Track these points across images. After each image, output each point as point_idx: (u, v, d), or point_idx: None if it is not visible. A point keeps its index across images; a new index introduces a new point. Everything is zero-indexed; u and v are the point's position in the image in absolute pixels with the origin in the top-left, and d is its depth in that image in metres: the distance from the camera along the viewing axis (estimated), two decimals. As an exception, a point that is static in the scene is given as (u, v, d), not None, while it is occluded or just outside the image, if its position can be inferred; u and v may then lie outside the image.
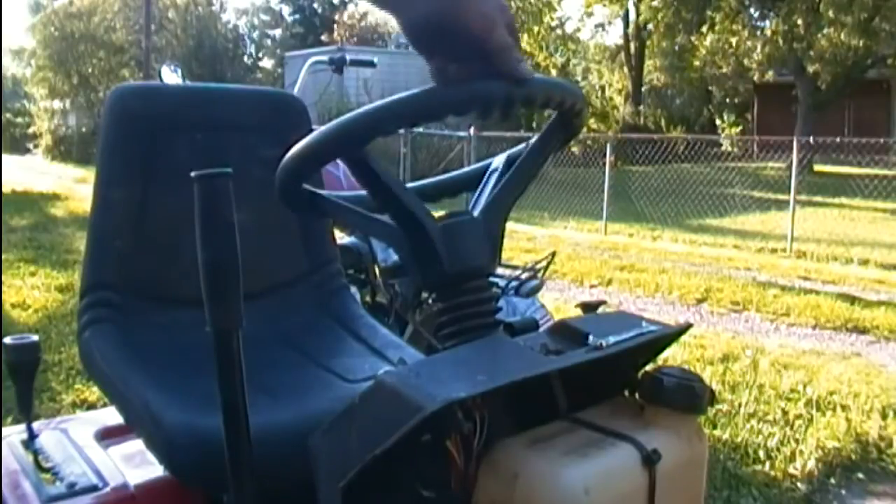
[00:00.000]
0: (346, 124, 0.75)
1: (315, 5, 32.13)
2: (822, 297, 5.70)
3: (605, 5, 21.75)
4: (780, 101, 19.25)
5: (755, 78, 18.57)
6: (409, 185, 1.00)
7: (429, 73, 0.77)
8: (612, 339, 0.73)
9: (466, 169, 1.01)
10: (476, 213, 0.82)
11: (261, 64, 30.95)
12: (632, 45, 23.61)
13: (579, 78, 25.48)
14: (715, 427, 3.06)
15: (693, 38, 18.00)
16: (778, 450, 2.88)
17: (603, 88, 25.55)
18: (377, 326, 1.31)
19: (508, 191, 0.84)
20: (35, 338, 1.24)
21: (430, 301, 2.33)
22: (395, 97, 0.75)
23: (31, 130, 28.03)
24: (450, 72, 0.76)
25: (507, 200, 0.84)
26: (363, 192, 0.84)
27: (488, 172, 0.90)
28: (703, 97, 23.07)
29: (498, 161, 0.91)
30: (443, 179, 1.01)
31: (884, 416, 3.24)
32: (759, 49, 16.90)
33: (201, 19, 26.63)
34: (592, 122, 20.61)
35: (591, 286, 6.31)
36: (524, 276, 2.48)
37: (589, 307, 0.92)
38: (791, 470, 2.74)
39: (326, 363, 1.20)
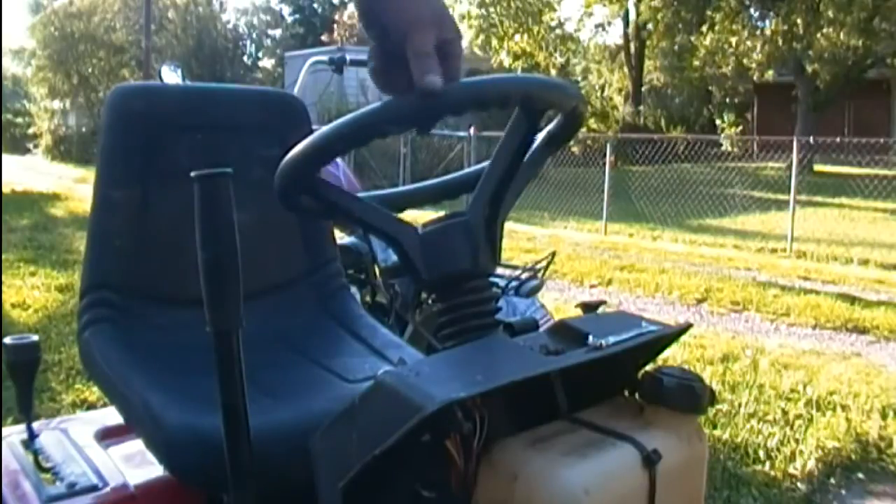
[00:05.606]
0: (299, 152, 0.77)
1: (315, 5, 32.12)
2: (822, 297, 5.70)
3: (605, 5, 21.71)
4: (780, 101, 19.25)
5: (755, 78, 18.56)
6: (409, 186, 1.00)
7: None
8: (612, 339, 0.73)
9: (467, 170, 1.01)
10: (471, 214, 0.82)
11: (261, 64, 30.95)
12: (632, 45, 23.57)
13: (579, 78, 25.44)
14: (715, 427, 3.05)
15: (693, 38, 17.99)
16: (778, 450, 2.88)
17: (603, 88, 25.52)
18: (377, 326, 1.31)
19: (504, 191, 0.83)
20: (35, 338, 1.24)
21: (430, 301, 2.33)
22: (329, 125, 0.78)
23: (31, 130, 28.01)
24: (378, 60, 0.76)
25: (502, 201, 0.83)
26: (363, 193, 0.84)
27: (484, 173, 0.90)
28: (703, 97, 23.05)
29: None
30: (443, 181, 1.01)
31: (884, 416, 3.24)
32: (759, 49, 16.89)
33: (201, 19, 26.63)
34: (592, 122, 20.60)
35: (591, 286, 6.30)
36: (524, 276, 2.48)
37: (589, 307, 0.91)
38: (791, 470, 2.74)
39: (326, 363, 1.20)
